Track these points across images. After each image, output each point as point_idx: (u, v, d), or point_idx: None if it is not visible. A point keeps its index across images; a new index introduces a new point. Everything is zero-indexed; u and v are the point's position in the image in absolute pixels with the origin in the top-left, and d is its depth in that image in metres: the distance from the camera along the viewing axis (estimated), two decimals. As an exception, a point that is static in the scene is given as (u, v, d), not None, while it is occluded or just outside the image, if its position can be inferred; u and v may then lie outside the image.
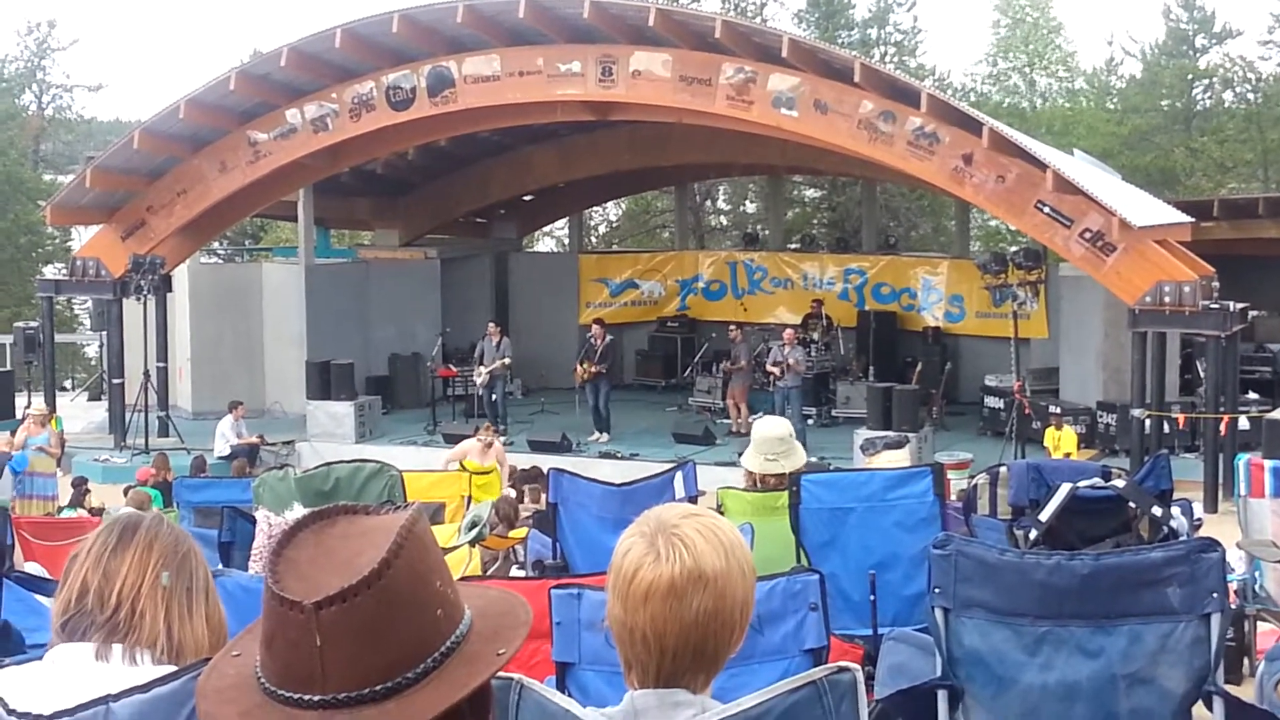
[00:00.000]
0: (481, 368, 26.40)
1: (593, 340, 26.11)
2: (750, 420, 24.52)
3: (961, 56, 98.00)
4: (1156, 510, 6.50)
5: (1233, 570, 9.87)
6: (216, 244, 33.10)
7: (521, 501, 15.72)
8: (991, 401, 25.93)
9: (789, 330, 25.99)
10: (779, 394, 24.99)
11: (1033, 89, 47.68)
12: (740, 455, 8.03)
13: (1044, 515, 6.46)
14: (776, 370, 24.82)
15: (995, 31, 48.48)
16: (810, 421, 24.88)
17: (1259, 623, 9.79)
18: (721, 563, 2.39)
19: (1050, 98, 47.22)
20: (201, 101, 25.13)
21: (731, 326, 27.42)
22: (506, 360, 26.30)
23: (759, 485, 7.60)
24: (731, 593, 2.40)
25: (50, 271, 38.72)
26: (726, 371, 26.45)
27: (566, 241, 39.33)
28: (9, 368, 29.20)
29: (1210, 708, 4.06)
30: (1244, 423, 21.52)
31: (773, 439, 7.58)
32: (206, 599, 2.83)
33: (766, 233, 34.76)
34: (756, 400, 26.29)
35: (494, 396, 26.48)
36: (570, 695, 3.69)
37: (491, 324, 27.18)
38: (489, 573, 10.17)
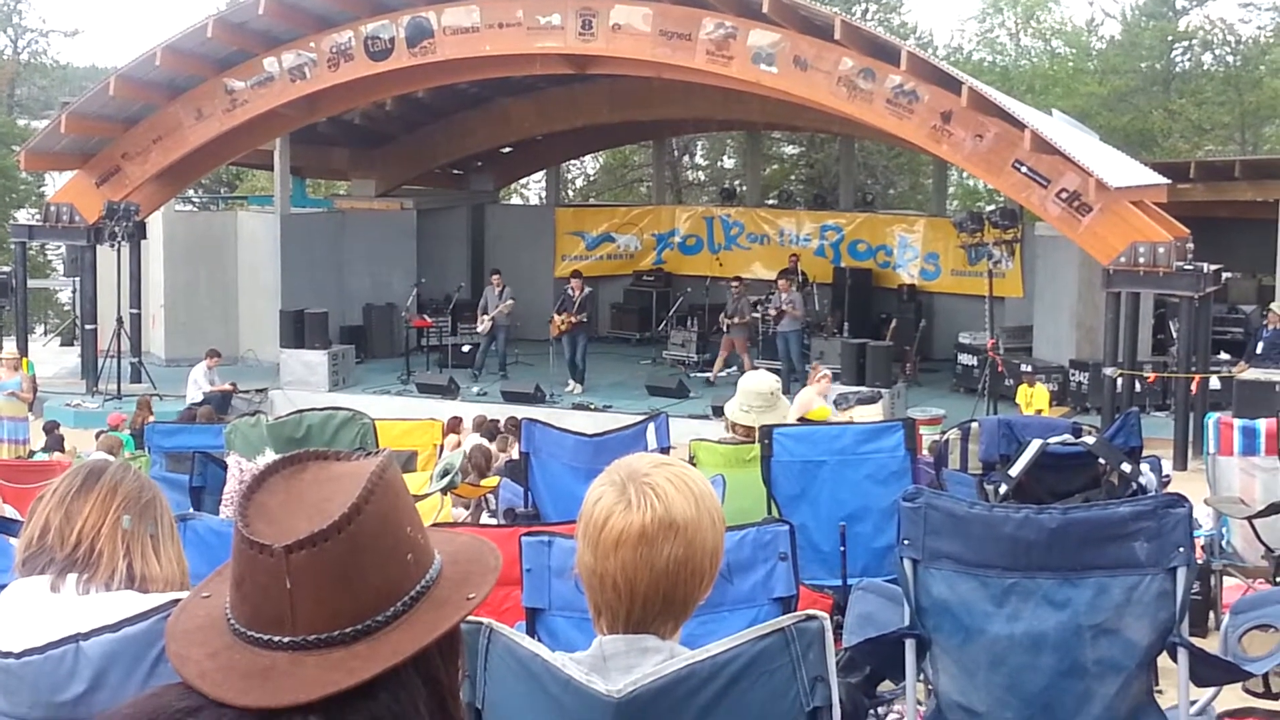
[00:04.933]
0: (485, 316, 26.48)
1: (570, 292, 26.11)
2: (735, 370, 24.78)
3: (945, 15, 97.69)
4: (1125, 466, 6.53)
5: (1200, 526, 9.95)
6: (192, 191, 32.96)
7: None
8: (965, 359, 26.02)
9: (782, 280, 26.03)
10: (780, 339, 25.26)
11: (1020, 49, 47.51)
12: (714, 408, 8.10)
13: (1014, 470, 6.48)
14: (772, 313, 25.06)
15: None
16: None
17: (1225, 578, 9.88)
18: (692, 511, 2.41)
19: (1034, 58, 47.05)
20: (178, 48, 24.97)
21: (734, 281, 27.33)
22: (511, 302, 26.35)
23: (733, 432, 7.66)
24: (701, 541, 2.42)
25: (23, 216, 38.48)
26: (728, 325, 26.29)
27: (544, 195, 39.22)
28: (-19, 312, 29.08)
29: (1175, 659, 4.10)
30: (1215, 383, 21.68)
31: (753, 392, 7.61)
32: (172, 544, 2.86)
33: (744, 188, 34.68)
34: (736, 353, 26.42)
35: (493, 345, 26.62)
36: (540, 640, 3.71)
37: (495, 274, 27.33)
38: (460, 522, 10.19)
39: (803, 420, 16.70)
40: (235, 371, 26.56)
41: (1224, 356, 23.57)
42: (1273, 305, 23.14)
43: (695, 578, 2.43)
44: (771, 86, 23.24)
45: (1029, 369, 23.60)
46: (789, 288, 25.60)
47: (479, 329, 26.86)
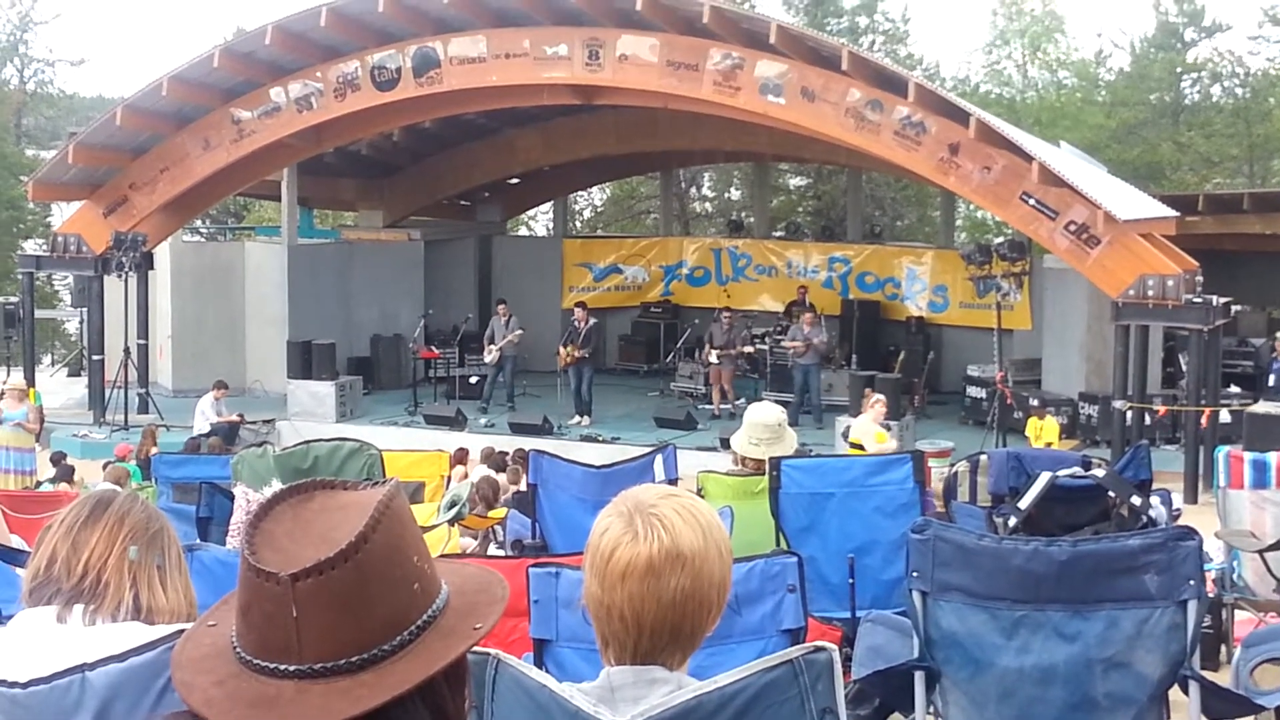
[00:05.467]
0: (492, 346, 26.46)
1: (576, 323, 26.13)
2: (735, 404, 24.91)
3: (952, 47, 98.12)
4: (1135, 499, 6.51)
5: (1211, 559, 9.89)
6: (199, 222, 33.03)
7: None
8: (974, 391, 25.98)
9: (808, 314, 26.11)
10: (799, 372, 25.36)
11: (1027, 80, 47.57)
12: (721, 440, 8.09)
13: (1024, 503, 6.47)
14: (798, 345, 25.16)
15: (993, 22, 48.36)
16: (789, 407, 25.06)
17: (1236, 611, 9.82)
18: (699, 542, 2.40)
19: (1042, 90, 47.13)
20: (185, 78, 25.06)
21: (724, 312, 27.35)
22: (520, 332, 26.34)
23: (741, 464, 7.65)
24: (709, 572, 2.40)
25: (31, 246, 38.58)
26: (720, 356, 26.30)
27: (551, 226, 39.29)
28: (-11, 343, 29.13)
29: (1186, 692, 4.08)
30: (1225, 416, 21.61)
31: (761, 425, 7.60)
32: (179, 575, 2.86)
33: (751, 220, 34.74)
34: (743, 384, 26.47)
35: (500, 376, 26.59)
36: (547, 671, 3.69)
37: (501, 304, 27.36)
38: (468, 553, 10.17)
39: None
40: (243, 402, 26.57)
41: (1234, 390, 23.53)
42: (1279, 334, 23.11)
43: (703, 609, 2.41)
44: (779, 117, 23.28)
45: (1038, 402, 23.56)
46: (815, 321, 25.66)
47: (486, 359, 26.85)
